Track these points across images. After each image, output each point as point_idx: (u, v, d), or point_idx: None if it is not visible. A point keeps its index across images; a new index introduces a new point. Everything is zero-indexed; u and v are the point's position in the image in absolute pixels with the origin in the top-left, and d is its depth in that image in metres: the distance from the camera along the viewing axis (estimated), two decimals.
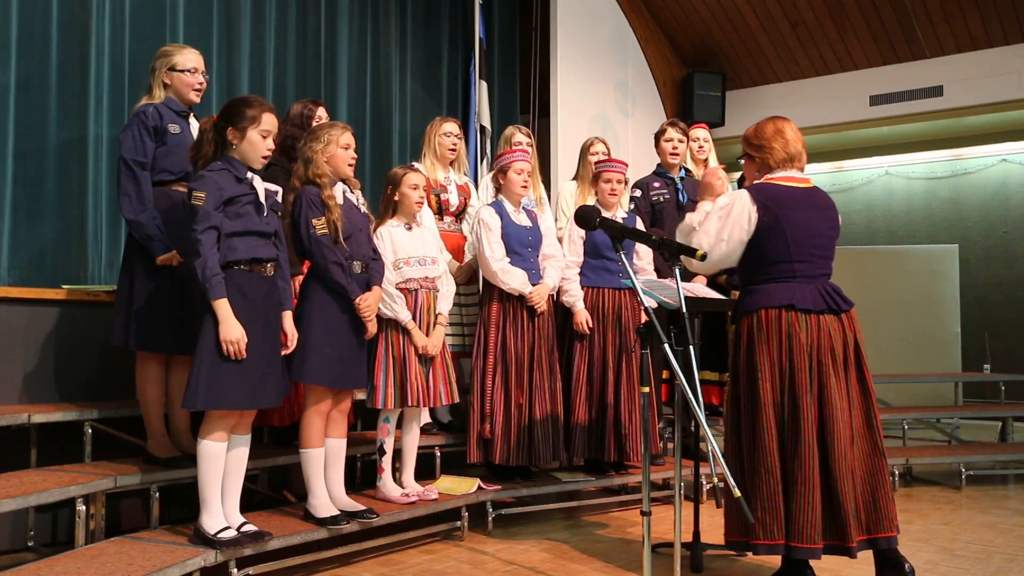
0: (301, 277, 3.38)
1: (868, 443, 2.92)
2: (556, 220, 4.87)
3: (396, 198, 3.62)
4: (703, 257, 2.84)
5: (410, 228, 3.65)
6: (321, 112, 3.90)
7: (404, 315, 3.53)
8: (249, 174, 2.95)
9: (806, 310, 2.89)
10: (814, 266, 2.97)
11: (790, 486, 2.84)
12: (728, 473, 2.47)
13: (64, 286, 3.85)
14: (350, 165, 3.34)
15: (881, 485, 2.89)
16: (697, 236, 3.03)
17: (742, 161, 3.21)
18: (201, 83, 3.44)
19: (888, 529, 2.86)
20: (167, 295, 3.24)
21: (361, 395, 3.76)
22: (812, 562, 2.97)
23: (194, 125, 3.41)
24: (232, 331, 2.78)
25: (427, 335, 3.60)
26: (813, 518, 2.79)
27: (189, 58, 3.40)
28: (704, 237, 3.00)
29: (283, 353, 3.00)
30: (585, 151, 4.72)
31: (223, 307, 2.77)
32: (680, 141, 4.77)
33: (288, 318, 3.04)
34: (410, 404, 3.54)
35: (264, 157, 2.96)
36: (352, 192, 3.39)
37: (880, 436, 2.94)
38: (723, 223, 2.97)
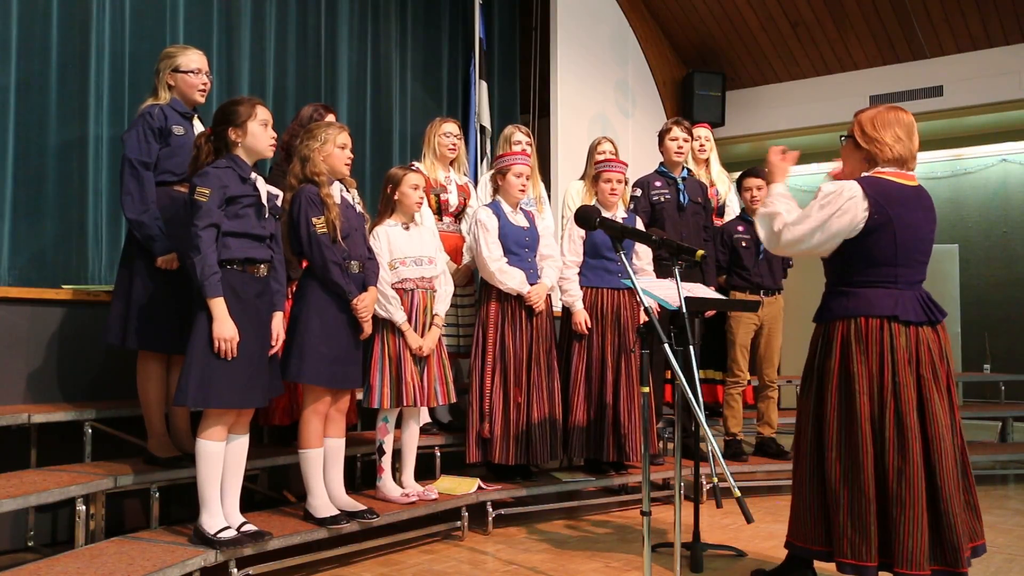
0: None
1: (963, 461, 2.74)
2: (562, 219, 4.87)
3: (396, 197, 3.62)
4: (703, 257, 2.79)
5: (407, 228, 3.65)
6: (331, 119, 3.89)
7: (399, 316, 3.53)
8: (253, 175, 2.96)
9: (907, 322, 2.72)
10: (916, 272, 2.78)
11: (890, 507, 2.65)
12: (728, 473, 2.45)
13: (64, 286, 3.85)
14: (347, 164, 3.34)
15: (973, 507, 2.74)
16: (790, 219, 2.80)
17: (843, 140, 2.95)
18: (205, 84, 3.44)
19: (960, 563, 2.64)
20: (168, 294, 3.24)
21: (360, 395, 3.76)
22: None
23: (198, 127, 3.42)
24: (226, 329, 2.78)
25: (423, 334, 3.60)
26: (922, 543, 2.60)
27: (193, 59, 3.40)
28: (801, 222, 2.77)
29: (269, 353, 3.00)
30: (592, 150, 4.72)
31: (219, 305, 2.78)
32: (685, 140, 4.77)
33: (278, 319, 3.04)
34: (406, 404, 3.54)
35: (271, 145, 2.98)
36: (348, 191, 3.40)
37: (966, 454, 2.76)
38: (826, 211, 2.73)
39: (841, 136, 2.97)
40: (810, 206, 2.79)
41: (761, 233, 2.92)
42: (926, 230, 2.81)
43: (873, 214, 2.71)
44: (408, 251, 3.60)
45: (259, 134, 2.94)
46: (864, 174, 2.83)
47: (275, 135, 3.01)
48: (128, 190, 3.22)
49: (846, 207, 2.72)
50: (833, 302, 2.84)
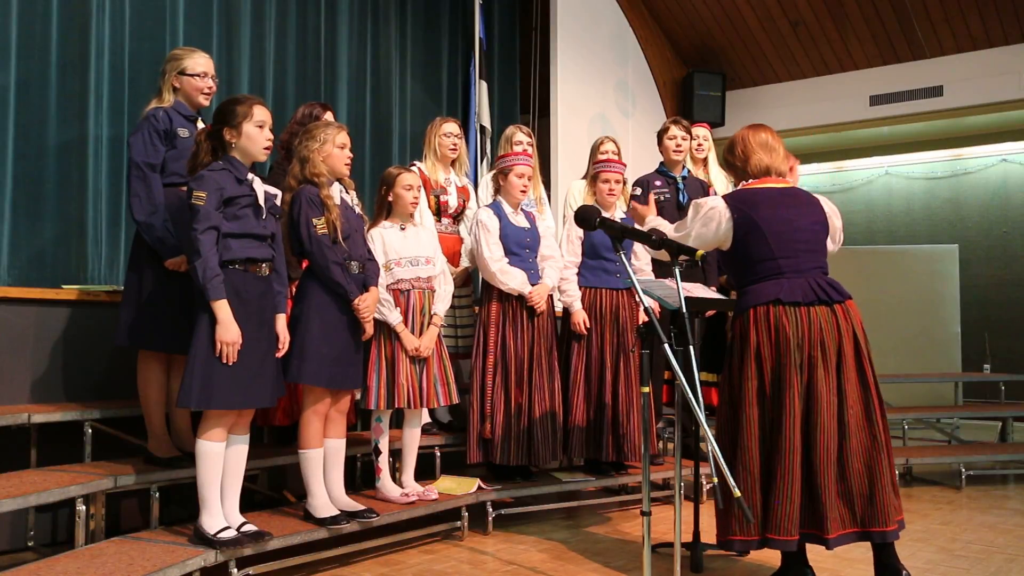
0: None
1: (867, 435, 2.87)
2: (564, 219, 4.87)
3: (390, 198, 3.61)
4: (703, 258, 2.83)
5: (403, 228, 3.65)
6: (328, 116, 3.89)
7: (393, 318, 3.53)
8: (250, 176, 2.95)
9: (794, 303, 2.87)
10: (801, 260, 2.94)
11: (769, 481, 2.83)
12: (728, 473, 2.46)
13: (64, 286, 3.85)
14: (346, 164, 3.34)
15: (879, 478, 2.84)
16: (671, 230, 3.15)
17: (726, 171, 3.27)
18: (211, 87, 3.44)
19: (883, 523, 2.80)
20: (171, 295, 3.24)
21: (359, 395, 3.76)
22: (812, 562, 2.97)
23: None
24: (229, 333, 2.78)
25: (420, 336, 3.60)
26: (791, 511, 2.78)
27: (199, 62, 3.40)
28: (678, 231, 3.11)
29: (275, 356, 3.00)
30: (595, 150, 4.72)
31: (223, 308, 2.78)
32: (683, 139, 4.77)
33: (281, 321, 3.03)
34: (398, 405, 3.54)
35: (265, 148, 2.97)
36: (347, 193, 3.39)
37: (881, 429, 2.89)
38: (697, 222, 3.04)
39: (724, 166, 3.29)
40: (687, 218, 3.11)
41: (646, 248, 3.18)
42: (802, 222, 2.99)
43: (737, 219, 2.97)
44: (403, 252, 3.60)
45: (254, 136, 2.93)
46: (731, 190, 3.17)
47: (272, 137, 3.00)
48: (135, 192, 3.22)
49: (710, 215, 3.02)
50: (736, 304, 3.07)
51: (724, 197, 3.08)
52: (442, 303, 3.69)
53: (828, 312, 2.88)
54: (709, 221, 3.01)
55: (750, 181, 3.09)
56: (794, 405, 2.82)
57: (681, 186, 4.73)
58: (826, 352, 2.85)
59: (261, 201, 2.95)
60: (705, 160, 5.26)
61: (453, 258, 4.30)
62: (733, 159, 3.15)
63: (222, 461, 2.88)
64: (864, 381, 2.90)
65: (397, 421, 3.81)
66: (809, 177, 8.84)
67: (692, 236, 3.04)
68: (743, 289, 3.02)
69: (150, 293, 3.25)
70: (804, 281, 2.91)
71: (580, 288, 4.18)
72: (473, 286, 4.66)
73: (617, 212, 4.29)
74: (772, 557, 3.32)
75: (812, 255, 2.98)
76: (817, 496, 2.79)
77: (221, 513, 2.89)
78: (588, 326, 4.14)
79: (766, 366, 2.88)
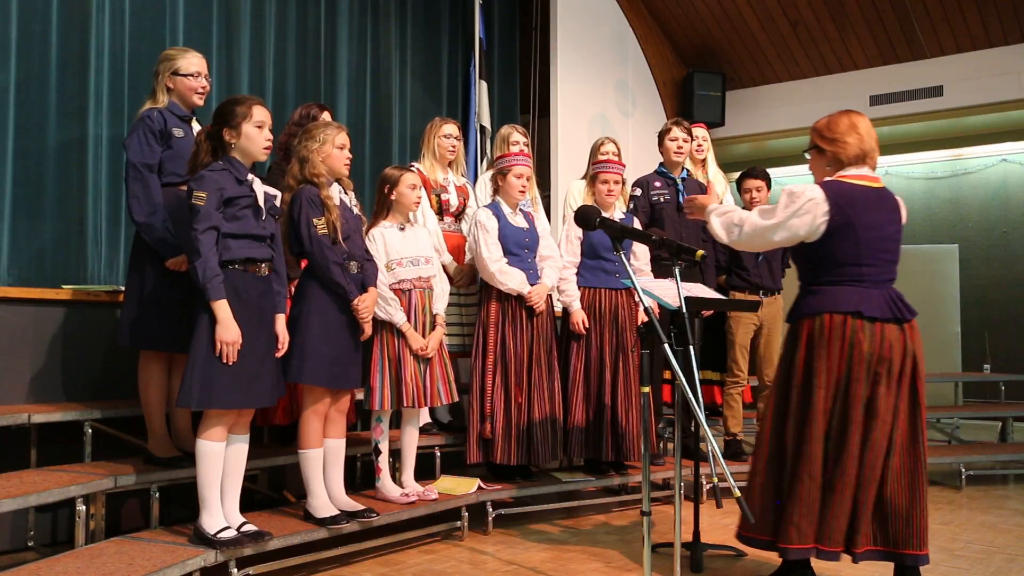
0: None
1: (911, 457, 2.82)
2: (564, 219, 4.86)
3: (393, 197, 3.61)
4: (703, 258, 2.81)
5: (403, 228, 3.65)
6: (326, 116, 3.89)
7: (399, 318, 3.53)
8: (250, 176, 2.96)
9: (872, 318, 2.78)
10: (882, 270, 2.85)
11: (828, 493, 2.80)
12: (728, 473, 2.45)
13: (64, 286, 3.85)
14: (346, 164, 3.34)
15: (919, 500, 2.80)
16: (752, 215, 2.93)
17: (808, 155, 3.04)
18: (204, 87, 3.44)
19: (918, 546, 2.78)
20: (172, 295, 3.24)
21: (360, 396, 3.76)
22: (813, 562, 2.97)
23: (196, 129, 3.41)
24: (229, 333, 2.78)
25: (423, 334, 3.60)
26: (843, 523, 2.78)
27: (192, 62, 3.40)
28: (763, 216, 2.89)
29: (275, 356, 3.00)
30: (595, 151, 4.72)
31: (223, 308, 2.78)
32: (685, 140, 4.77)
33: (280, 322, 3.03)
34: (406, 405, 3.54)
35: (265, 148, 2.98)
36: (346, 193, 3.39)
37: (924, 451, 2.84)
38: (788, 211, 2.85)
39: (805, 152, 3.08)
40: (777, 205, 2.90)
41: (718, 228, 3.04)
42: (890, 230, 2.89)
43: (834, 216, 2.80)
44: (404, 252, 3.60)
45: (254, 136, 2.93)
46: (827, 179, 2.92)
47: (271, 137, 3.00)
48: (134, 194, 3.23)
49: (807, 208, 2.82)
50: (802, 302, 2.94)
51: (822, 187, 2.86)
52: (440, 302, 3.70)
53: (898, 330, 2.82)
54: (804, 214, 2.82)
55: (847, 172, 2.89)
56: (858, 422, 2.78)
57: (681, 187, 4.72)
58: (891, 370, 2.79)
59: (261, 202, 2.95)
60: (704, 161, 5.26)
61: (458, 255, 4.30)
62: (825, 142, 2.93)
63: (222, 461, 2.88)
64: (915, 402, 2.85)
65: (396, 421, 3.81)
66: (809, 177, 8.81)
67: (782, 227, 2.86)
68: (815, 288, 2.89)
69: (151, 293, 3.25)
70: (881, 294, 2.82)
71: (579, 288, 4.18)
72: (479, 284, 4.66)
73: (617, 212, 4.30)
74: (771, 556, 3.32)
75: (891, 265, 2.90)
76: (856, 511, 2.78)
77: (221, 513, 2.89)
78: (587, 326, 4.14)
79: (833, 377, 2.80)
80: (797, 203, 2.83)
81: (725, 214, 3.05)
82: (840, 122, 2.91)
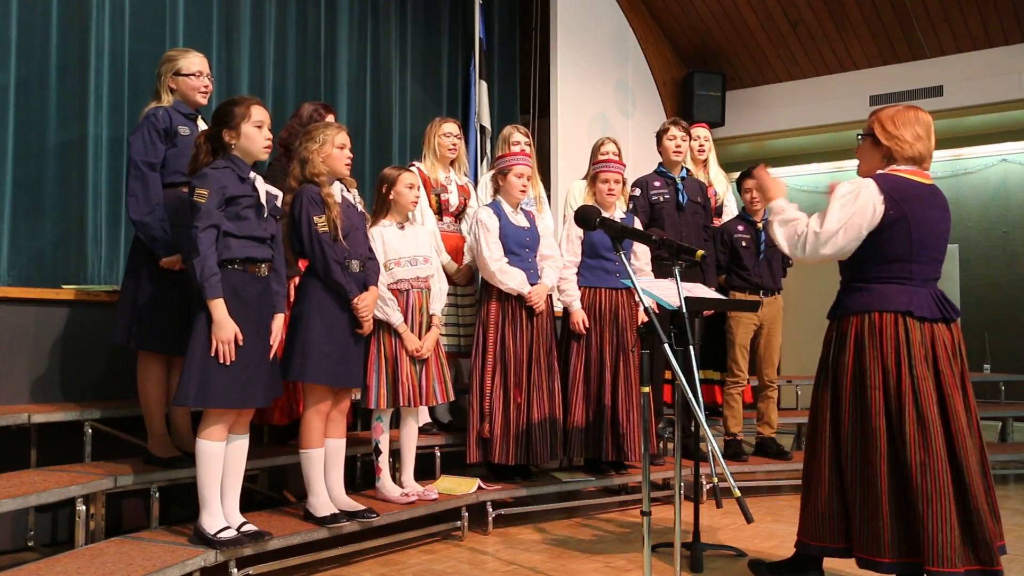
0: (298, 279, 3.38)
1: (981, 458, 2.72)
2: (564, 219, 4.86)
3: (391, 197, 3.62)
4: (703, 257, 2.79)
5: (402, 228, 3.65)
6: (330, 118, 3.88)
7: (396, 318, 3.53)
8: (252, 174, 2.96)
9: (922, 318, 2.71)
10: (930, 269, 2.78)
11: (917, 502, 2.62)
12: (728, 473, 2.45)
13: (64, 286, 3.85)
14: (347, 164, 3.35)
15: (992, 508, 2.70)
16: (813, 222, 2.80)
17: (860, 138, 2.93)
18: (207, 86, 3.45)
19: (994, 562, 2.61)
20: (170, 296, 3.24)
21: (357, 395, 3.76)
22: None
23: (202, 127, 3.42)
24: (225, 331, 2.78)
25: (419, 335, 3.60)
26: (953, 540, 2.58)
27: (194, 62, 3.41)
28: (824, 223, 2.76)
29: (270, 355, 2.99)
30: (595, 151, 4.72)
31: (219, 307, 2.78)
32: (683, 140, 4.77)
33: (278, 321, 3.04)
34: (402, 404, 3.55)
35: (265, 148, 2.98)
36: (349, 191, 3.40)
37: (987, 456, 2.75)
38: (847, 210, 2.73)
39: (858, 134, 2.96)
40: (829, 207, 2.78)
41: (782, 241, 2.90)
42: (941, 228, 2.82)
43: (889, 210, 2.72)
44: (403, 251, 3.60)
45: (253, 136, 2.93)
46: (879, 172, 2.84)
47: (271, 137, 3.01)
48: (133, 192, 3.23)
49: (864, 202, 2.73)
50: (847, 298, 2.84)
51: (876, 180, 2.77)
52: (438, 302, 3.70)
53: (947, 330, 2.76)
54: (864, 209, 2.72)
55: (901, 167, 2.81)
56: (936, 421, 2.64)
57: (680, 187, 4.73)
58: (952, 370, 2.71)
59: (263, 201, 2.95)
60: (705, 161, 5.26)
61: (456, 256, 4.30)
62: (885, 136, 2.81)
63: (222, 461, 2.88)
64: (968, 403, 2.75)
65: (395, 421, 3.81)
66: (809, 177, 8.84)
67: (842, 224, 2.73)
68: (862, 284, 2.80)
69: (149, 294, 3.24)
70: (928, 293, 2.76)
71: (580, 288, 4.18)
72: (477, 285, 4.66)
73: (617, 212, 4.30)
74: (772, 555, 3.32)
75: (939, 265, 2.83)
76: (977, 523, 2.61)
77: (221, 513, 2.89)
78: (587, 326, 4.14)
79: (892, 378, 2.70)
80: (857, 201, 2.73)
81: (789, 223, 2.89)
82: (907, 120, 2.81)
